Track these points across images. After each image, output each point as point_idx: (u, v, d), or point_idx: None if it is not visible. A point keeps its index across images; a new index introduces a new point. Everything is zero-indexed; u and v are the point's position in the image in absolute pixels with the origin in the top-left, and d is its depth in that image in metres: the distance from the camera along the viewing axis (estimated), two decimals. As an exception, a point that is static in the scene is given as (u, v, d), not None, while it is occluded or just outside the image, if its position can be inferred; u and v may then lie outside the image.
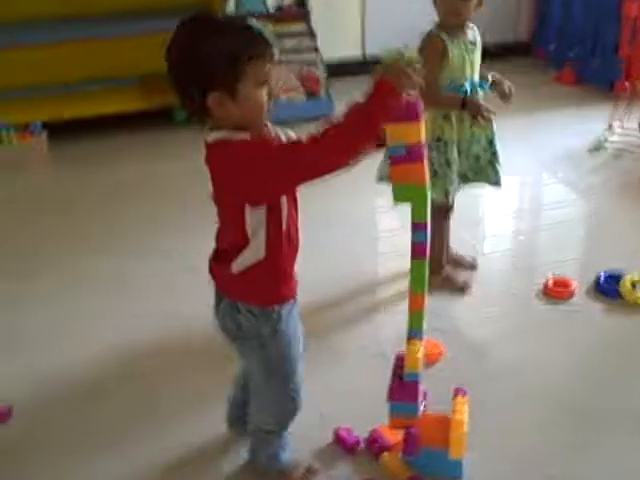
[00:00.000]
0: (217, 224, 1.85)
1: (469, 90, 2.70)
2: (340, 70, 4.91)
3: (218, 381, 2.32)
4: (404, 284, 2.03)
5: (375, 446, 2.17)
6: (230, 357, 2.05)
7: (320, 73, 4.55)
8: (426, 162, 1.80)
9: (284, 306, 1.87)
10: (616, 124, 4.12)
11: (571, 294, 2.87)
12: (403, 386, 1.97)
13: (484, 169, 2.84)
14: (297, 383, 1.98)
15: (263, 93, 1.72)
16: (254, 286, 1.83)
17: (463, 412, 2.00)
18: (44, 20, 4.29)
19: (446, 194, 2.77)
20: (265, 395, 2.00)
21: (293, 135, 1.82)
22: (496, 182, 2.88)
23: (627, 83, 4.23)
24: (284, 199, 1.77)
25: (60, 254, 3.21)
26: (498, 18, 5.37)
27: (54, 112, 4.25)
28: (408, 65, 1.64)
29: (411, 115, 1.72)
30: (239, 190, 1.72)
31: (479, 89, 2.73)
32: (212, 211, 1.81)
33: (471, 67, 2.71)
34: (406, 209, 1.85)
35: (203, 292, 1.98)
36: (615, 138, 4.09)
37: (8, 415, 2.34)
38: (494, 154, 2.83)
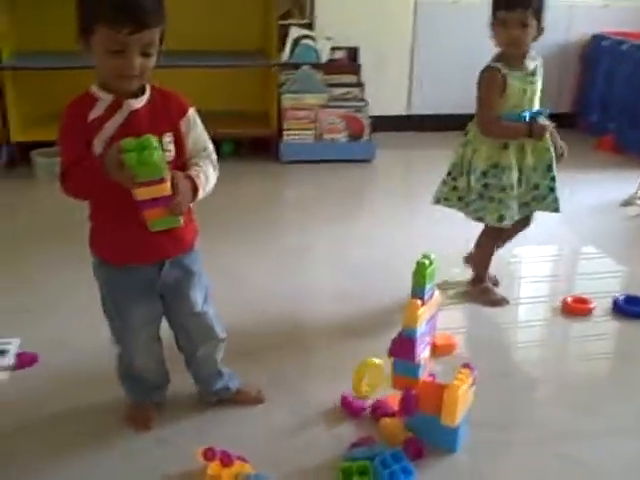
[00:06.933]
0: None
1: (527, 118, 2.74)
2: (385, 124, 5.12)
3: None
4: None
5: (378, 412, 2.24)
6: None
7: (365, 119, 4.75)
8: None
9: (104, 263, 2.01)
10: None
11: (589, 311, 2.93)
12: (401, 342, 2.03)
13: (545, 197, 2.88)
14: (116, 332, 2.10)
15: (113, 62, 1.72)
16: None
17: (462, 380, 2.02)
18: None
19: (500, 219, 2.81)
20: None
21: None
22: (556, 209, 2.91)
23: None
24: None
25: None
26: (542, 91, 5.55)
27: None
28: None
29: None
30: None
31: (537, 118, 2.77)
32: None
33: (530, 98, 2.77)
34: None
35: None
36: (647, 196, 4.19)
37: (34, 361, 2.49)
38: (552, 179, 2.87)
